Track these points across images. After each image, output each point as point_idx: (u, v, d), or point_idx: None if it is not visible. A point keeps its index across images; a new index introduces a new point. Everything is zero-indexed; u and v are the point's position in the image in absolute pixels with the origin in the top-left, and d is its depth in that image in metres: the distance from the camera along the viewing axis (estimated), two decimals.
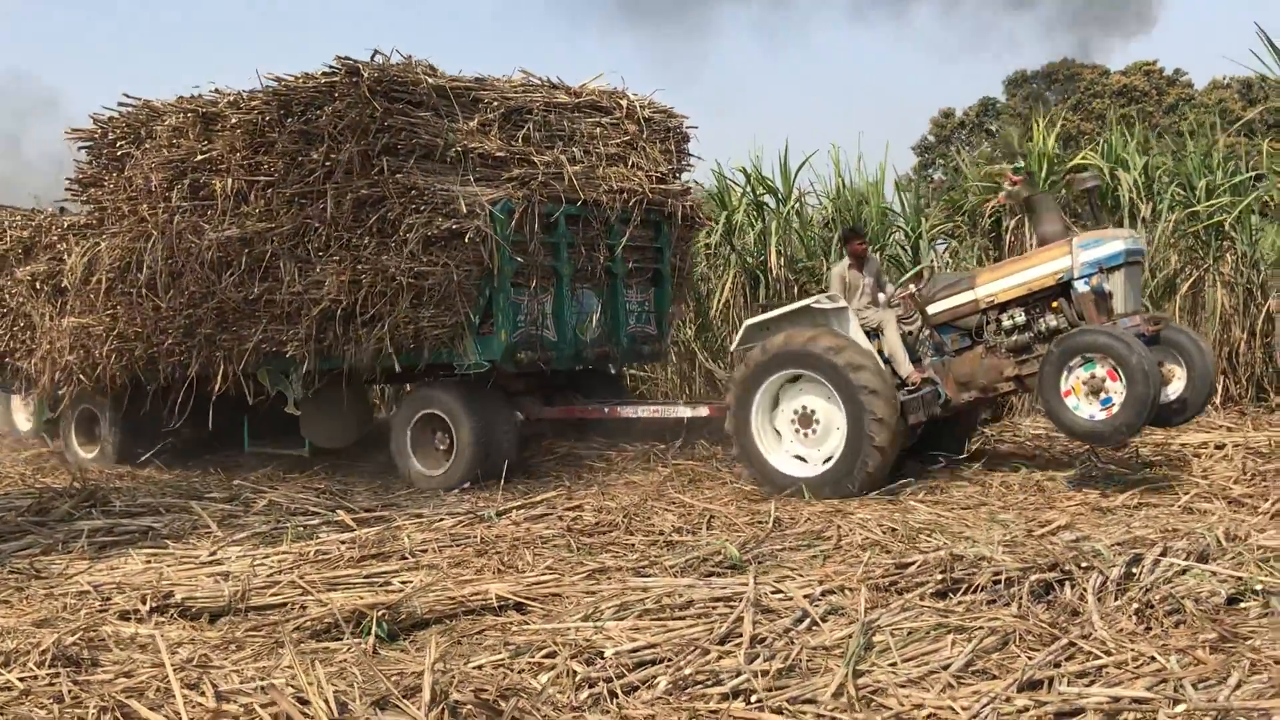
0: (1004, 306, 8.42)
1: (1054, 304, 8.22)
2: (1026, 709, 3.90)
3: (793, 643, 4.75)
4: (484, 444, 9.71)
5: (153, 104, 10.93)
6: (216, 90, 10.45)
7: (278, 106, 9.68)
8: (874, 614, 5.08)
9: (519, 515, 8.09)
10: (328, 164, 9.40)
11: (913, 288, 9.00)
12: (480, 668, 4.67)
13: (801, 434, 8.68)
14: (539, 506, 8.36)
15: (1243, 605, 4.96)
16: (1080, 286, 8.04)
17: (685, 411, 10.19)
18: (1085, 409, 7.52)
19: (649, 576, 6.16)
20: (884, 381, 8.27)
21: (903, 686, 4.28)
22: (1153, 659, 4.29)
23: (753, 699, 4.20)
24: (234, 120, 9.91)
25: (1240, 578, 5.22)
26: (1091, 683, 4.14)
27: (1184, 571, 5.36)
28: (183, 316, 10.40)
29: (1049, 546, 5.95)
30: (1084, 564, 5.51)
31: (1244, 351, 12.26)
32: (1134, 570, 5.42)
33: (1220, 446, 9.45)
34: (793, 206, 15.29)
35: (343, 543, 7.20)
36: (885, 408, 8.13)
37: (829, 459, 8.48)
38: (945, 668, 4.41)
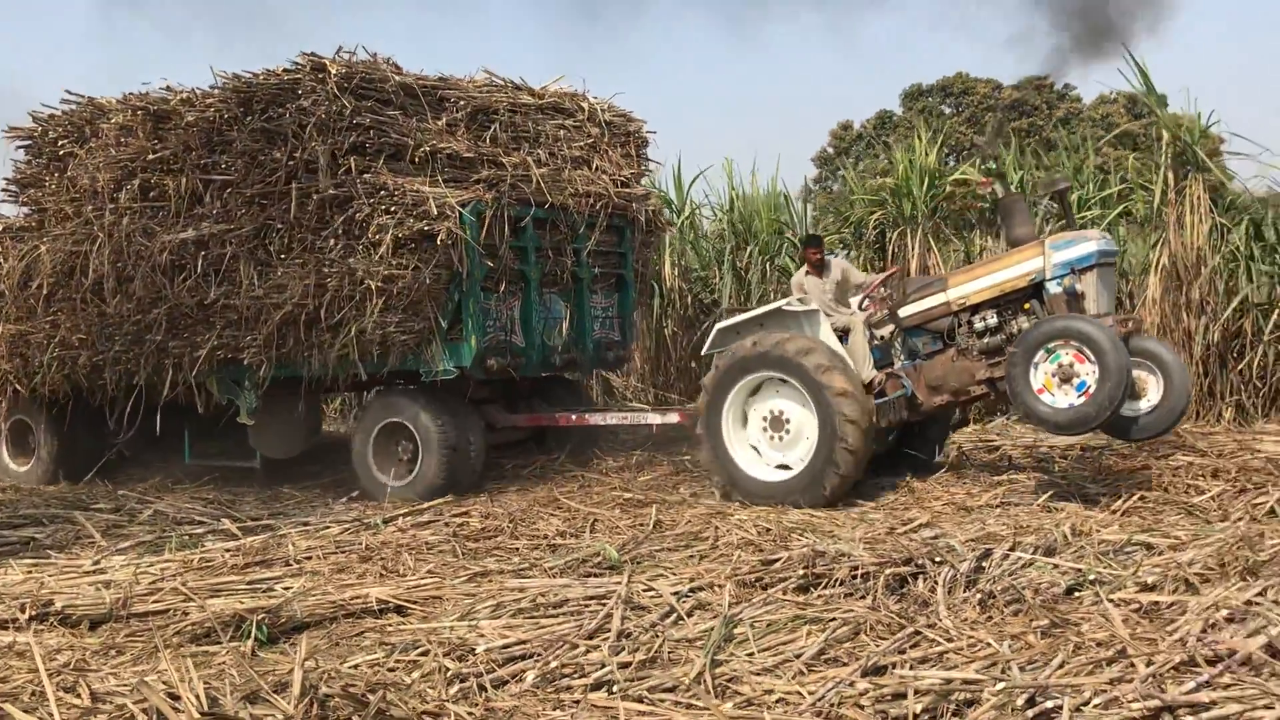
0: (976, 308, 8.37)
1: (1025, 305, 8.19)
2: (866, 691, 4.16)
3: (657, 636, 4.98)
4: (450, 454, 9.54)
5: (98, 101, 10.62)
6: (168, 87, 10.17)
7: (237, 104, 9.42)
8: (737, 608, 5.33)
9: (406, 522, 8.22)
10: (291, 163, 9.18)
11: (883, 291, 8.99)
12: (356, 667, 4.82)
13: (772, 437, 8.58)
14: (426, 513, 8.51)
15: (1078, 595, 5.30)
16: (1052, 287, 8.02)
17: (655, 418, 10.11)
18: (1063, 399, 7.40)
19: (528, 578, 6.35)
20: (862, 406, 8.12)
21: (757, 674, 4.53)
22: (989, 644, 4.60)
23: (614, 689, 4.41)
24: (190, 118, 9.62)
25: (1080, 569, 5.57)
26: (931, 667, 4.43)
27: (1029, 565, 5.70)
28: (131, 322, 10.07)
29: (906, 543, 6.27)
30: (937, 559, 5.83)
31: None
32: (984, 564, 5.75)
33: (1086, 449, 9.90)
34: (687, 218, 15.64)
35: (227, 551, 7.26)
36: (857, 434, 8.03)
37: (798, 464, 8.40)
38: (798, 656, 4.67)
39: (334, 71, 8.99)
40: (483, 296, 9.52)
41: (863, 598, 5.44)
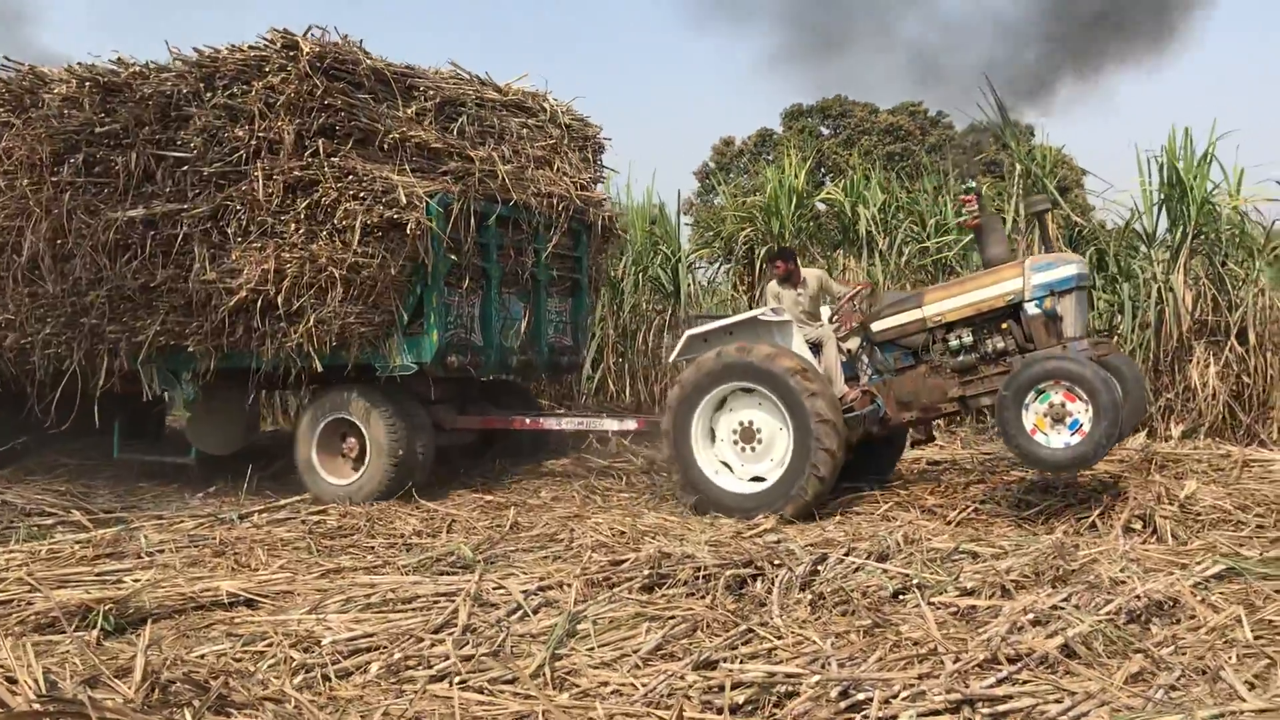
0: (951, 326, 8.28)
1: (1003, 325, 8.15)
2: (695, 683, 4.39)
3: (502, 631, 5.14)
4: (402, 454, 9.27)
5: (39, 70, 10.05)
6: (119, 59, 9.66)
7: (197, 79, 9.04)
8: (583, 606, 5.52)
9: (262, 519, 8.25)
10: (254, 142, 8.79)
11: (850, 305, 8.94)
12: (202, 656, 4.89)
13: (742, 449, 8.37)
14: (283, 510, 8.53)
15: (903, 598, 5.61)
16: (1031, 309, 7.95)
17: (612, 425, 9.96)
18: (1057, 439, 7.34)
19: (381, 575, 6.45)
20: (837, 411, 8.01)
21: (595, 668, 4.74)
22: (814, 642, 4.88)
23: (455, 680, 4.57)
24: (145, 91, 9.20)
25: (907, 574, 5.89)
26: (758, 662, 4.68)
27: (860, 569, 6.00)
28: (66, 304, 9.56)
29: (749, 546, 6.53)
30: (776, 561, 6.10)
31: None
32: (819, 568, 6.04)
33: (935, 463, 10.35)
34: None
35: (77, 543, 7.21)
36: (834, 438, 7.90)
37: (767, 478, 8.22)
38: (636, 651, 4.89)
39: (307, 50, 8.69)
40: (446, 292, 9.28)
41: (703, 597, 5.67)
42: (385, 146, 9.04)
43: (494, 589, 5.90)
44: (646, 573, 6.01)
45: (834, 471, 8.03)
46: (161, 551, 7.09)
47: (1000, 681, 4.27)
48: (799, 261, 9.78)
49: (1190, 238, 12.12)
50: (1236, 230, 12.32)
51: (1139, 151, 12.56)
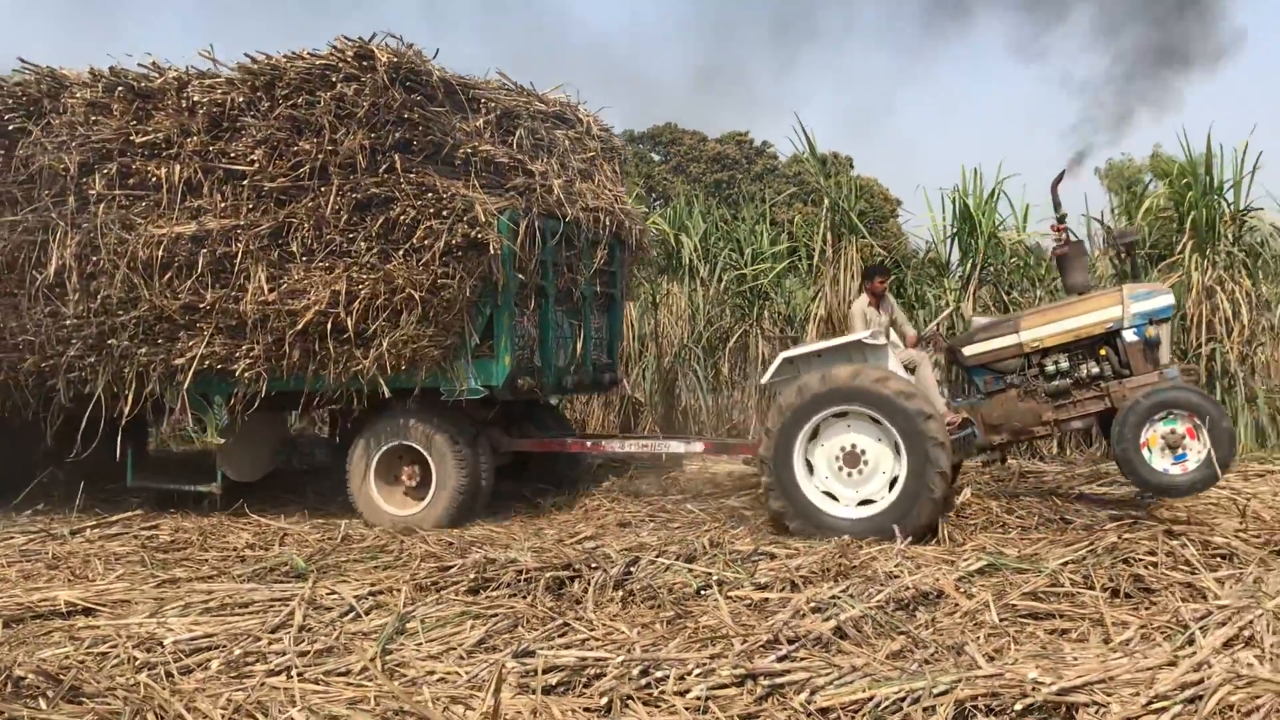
0: (1047, 351, 8.50)
1: (1101, 350, 8.41)
2: (514, 669, 4.90)
3: (336, 630, 5.55)
4: (468, 480, 9.04)
5: (60, 73, 9.35)
6: (154, 64, 9.10)
7: (254, 88, 8.64)
8: (412, 607, 5.97)
9: (94, 534, 8.39)
10: (320, 156, 8.42)
11: (938, 330, 9.10)
12: (46, 659, 5.14)
13: (846, 473, 8.05)
14: (115, 526, 8.68)
15: (706, 593, 6.23)
16: (1130, 336, 8.25)
17: (679, 447, 9.58)
18: (1159, 463, 7.68)
19: (217, 583, 6.76)
20: (948, 435, 7.89)
21: (424, 660, 5.20)
22: (622, 632, 5.44)
23: (293, 673, 4.96)
24: (195, 99, 8.71)
25: (710, 573, 6.52)
26: (572, 650, 5.22)
27: (669, 569, 6.60)
28: (93, 325, 8.96)
29: (569, 551, 7.07)
30: (593, 564, 6.64)
31: None
32: (632, 569, 6.61)
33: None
34: None
35: None
36: (946, 461, 7.74)
37: (876, 503, 7.93)
38: (461, 645, 5.37)
39: (384, 59, 8.34)
40: (515, 311, 9.09)
41: (524, 597, 6.18)
42: (455, 161, 8.74)
43: (327, 594, 6.29)
44: (472, 576, 6.49)
45: (946, 495, 7.98)
46: None
47: (781, 659, 4.90)
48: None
49: (979, 268, 13.22)
50: (1020, 261, 13.49)
51: (925, 192, 13.63)
